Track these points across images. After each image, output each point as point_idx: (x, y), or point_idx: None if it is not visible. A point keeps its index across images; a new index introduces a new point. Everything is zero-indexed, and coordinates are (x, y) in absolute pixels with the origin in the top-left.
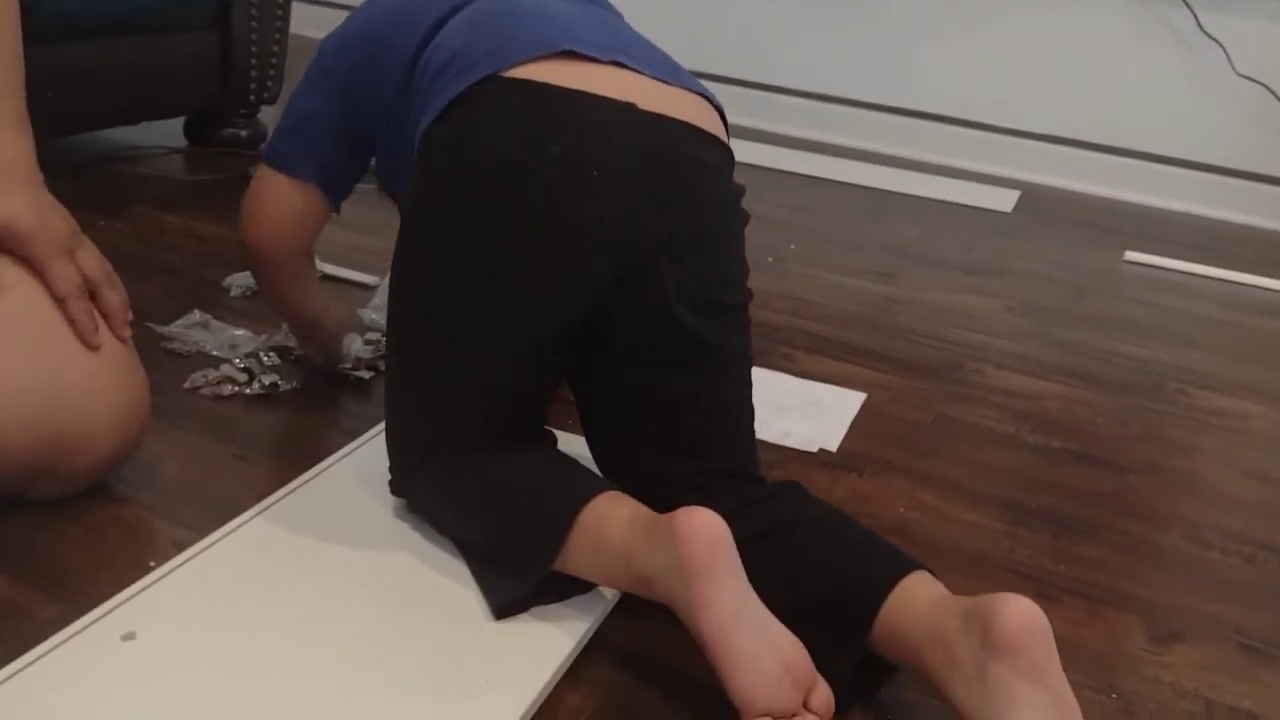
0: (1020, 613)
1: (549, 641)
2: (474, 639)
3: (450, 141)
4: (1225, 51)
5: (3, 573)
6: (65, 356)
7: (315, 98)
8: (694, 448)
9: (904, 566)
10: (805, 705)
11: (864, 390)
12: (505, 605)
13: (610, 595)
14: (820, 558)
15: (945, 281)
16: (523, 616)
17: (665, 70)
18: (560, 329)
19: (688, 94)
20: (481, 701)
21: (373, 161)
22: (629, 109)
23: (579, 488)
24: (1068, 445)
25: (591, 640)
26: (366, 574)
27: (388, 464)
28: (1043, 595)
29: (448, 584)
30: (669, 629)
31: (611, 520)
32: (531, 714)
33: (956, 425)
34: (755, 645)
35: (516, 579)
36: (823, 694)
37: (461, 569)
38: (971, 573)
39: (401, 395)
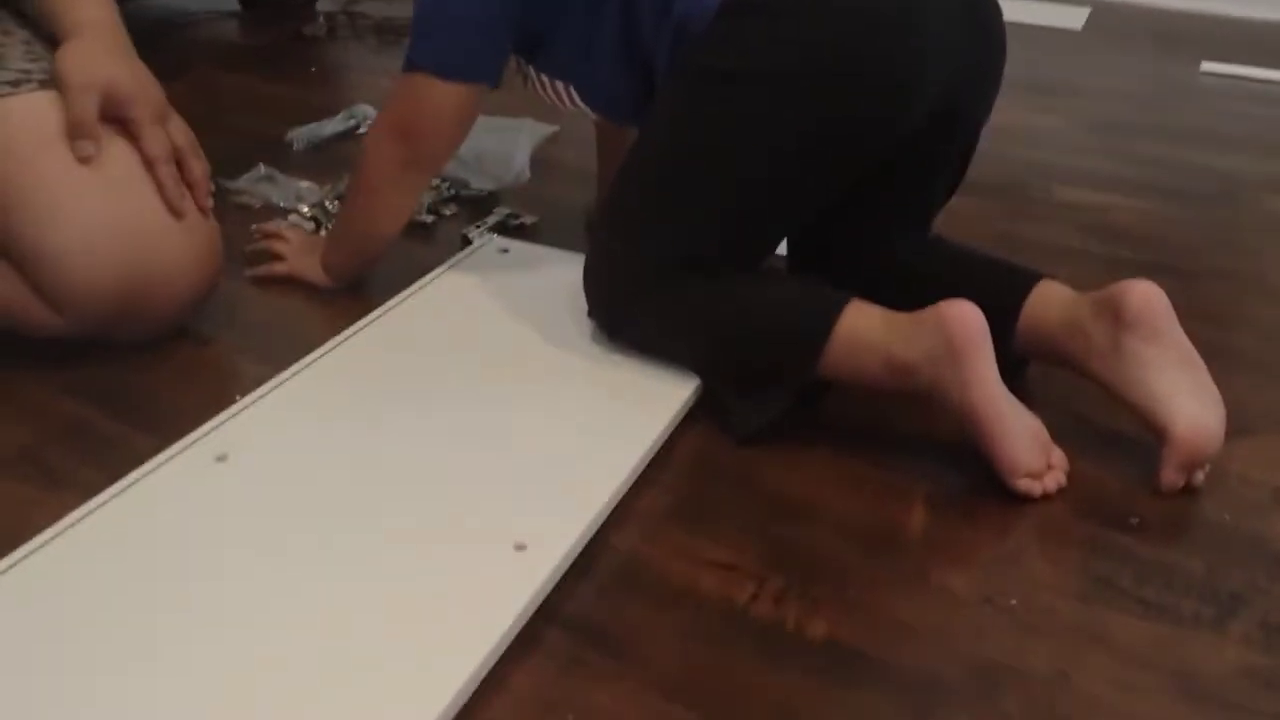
0: (1142, 291)
1: (618, 450)
2: (546, 452)
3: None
4: None
5: (101, 411)
6: (146, 203)
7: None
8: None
9: (1034, 276)
10: (1049, 464)
11: None
12: (754, 429)
13: (677, 404)
14: (957, 278)
15: (1012, 102)
16: (594, 425)
17: None
18: (872, 158)
19: None
20: (554, 508)
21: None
22: None
23: (828, 298)
24: (1136, 255)
25: (661, 447)
26: (439, 398)
27: (597, 301)
28: (1103, 396)
29: (518, 405)
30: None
31: (866, 321)
32: (602, 519)
33: (1020, 242)
34: (1016, 417)
35: (776, 393)
36: (1059, 454)
37: (528, 391)
38: (1025, 378)
39: (653, 214)
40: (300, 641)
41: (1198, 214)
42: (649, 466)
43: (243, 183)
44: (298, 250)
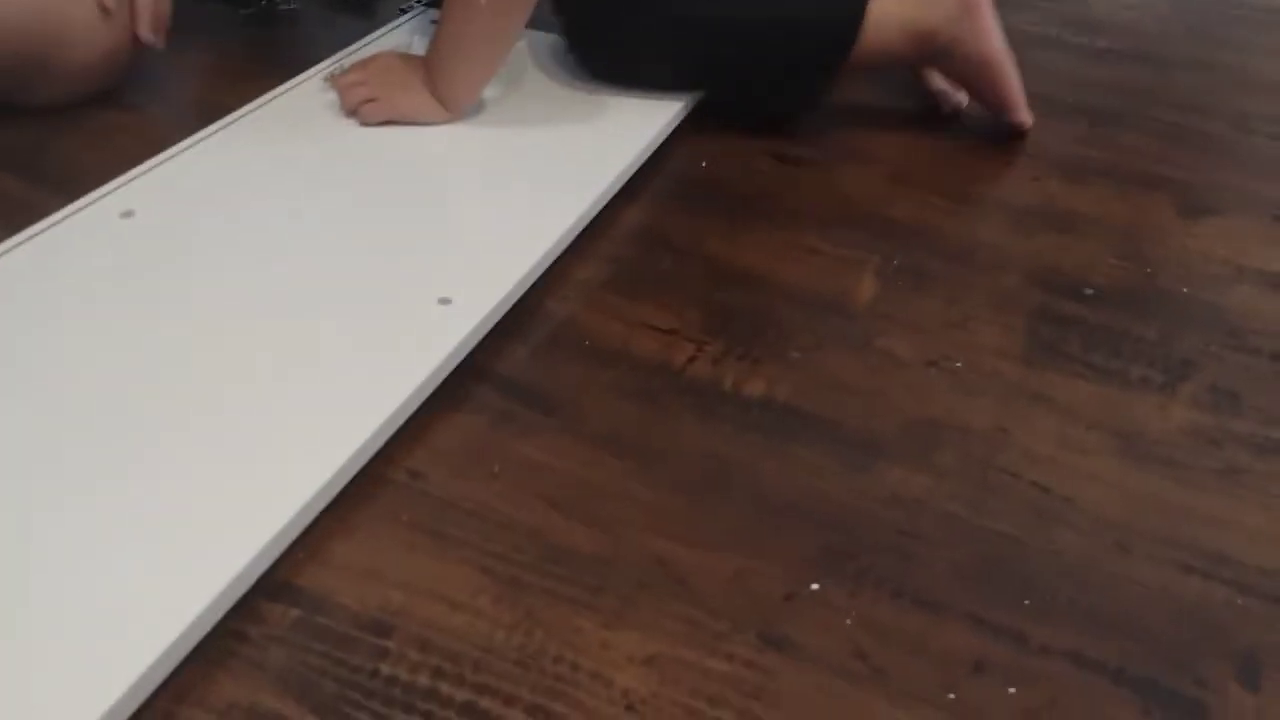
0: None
1: (551, 213)
2: (476, 216)
3: None
4: None
5: (11, 174)
6: None
7: None
8: None
9: None
10: None
11: None
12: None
13: (613, 174)
14: None
15: None
16: (528, 192)
17: None
18: None
19: None
20: (482, 266)
21: None
22: None
23: None
24: (1113, 45)
25: (601, 219)
26: (364, 162)
27: None
28: (1070, 179)
29: (448, 170)
30: (678, 212)
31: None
32: (534, 278)
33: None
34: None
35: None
36: None
37: (459, 158)
38: (991, 155)
39: None
40: (208, 390)
41: (1177, 5)
42: (591, 239)
43: None
44: (395, 84)
